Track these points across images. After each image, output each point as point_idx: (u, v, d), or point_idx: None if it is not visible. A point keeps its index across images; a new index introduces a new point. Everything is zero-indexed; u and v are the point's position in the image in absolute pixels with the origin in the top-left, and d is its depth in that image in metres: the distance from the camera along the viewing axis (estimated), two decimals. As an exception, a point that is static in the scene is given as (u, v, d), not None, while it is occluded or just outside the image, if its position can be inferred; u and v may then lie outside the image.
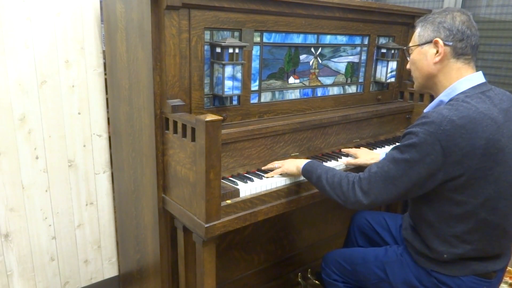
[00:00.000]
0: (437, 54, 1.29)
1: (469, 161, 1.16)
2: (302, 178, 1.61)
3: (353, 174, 1.34)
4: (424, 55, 1.32)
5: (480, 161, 1.17)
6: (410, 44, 1.40)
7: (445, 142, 1.15)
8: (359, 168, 1.72)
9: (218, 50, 1.51)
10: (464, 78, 1.27)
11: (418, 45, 1.34)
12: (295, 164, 1.55)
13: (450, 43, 1.27)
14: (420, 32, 1.34)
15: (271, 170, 1.62)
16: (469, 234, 1.26)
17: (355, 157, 1.80)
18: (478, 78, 1.28)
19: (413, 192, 1.25)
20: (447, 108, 1.19)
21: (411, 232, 1.42)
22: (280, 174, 1.58)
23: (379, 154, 1.78)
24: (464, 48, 1.27)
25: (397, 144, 1.27)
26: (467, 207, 1.22)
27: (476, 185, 1.20)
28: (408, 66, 1.43)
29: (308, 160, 1.52)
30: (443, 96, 1.30)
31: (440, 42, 1.28)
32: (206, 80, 1.56)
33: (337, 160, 1.80)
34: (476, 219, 1.24)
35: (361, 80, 2.19)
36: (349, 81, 2.13)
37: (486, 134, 1.16)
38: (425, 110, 1.35)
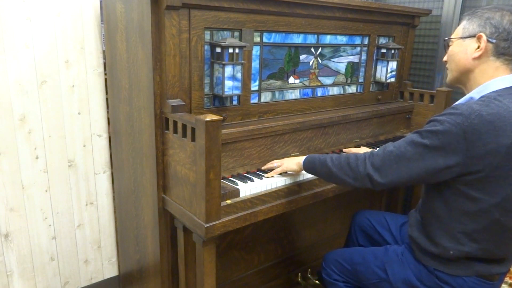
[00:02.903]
0: (478, 50, 1.26)
1: (491, 158, 1.14)
2: (302, 176, 1.61)
3: (361, 153, 1.32)
4: (465, 48, 1.29)
5: (503, 160, 1.15)
6: (452, 36, 1.36)
7: (470, 135, 1.13)
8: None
9: (218, 50, 1.51)
10: (499, 78, 1.25)
11: (461, 37, 1.31)
12: (295, 161, 1.55)
13: (494, 41, 1.23)
14: (465, 25, 1.30)
15: (271, 169, 1.62)
16: (479, 233, 1.25)
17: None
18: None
19: (424, 179, 1.24)
20: (478, 103, 1.17)
21: (418, 228, 1.40)
22: (280, 174, 1.58)
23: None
24: (507, 48, 1.24)
25: (419, 129, 1.24)
26: (481, 205, 1.21)
27: (494, 183, 1.18)
28: (444, 58, 1.39)
29: (304, 157, 1.51)
30: (475, 93, 1.28)
31: (484, 37, 1.24)
32: (206, 80, 1.56)
33: (337, 160, 1.79)
34: (489, 219, 1.22)
35: (361, 80, 2.19)
36: (349, 81, 2.13)
37: None
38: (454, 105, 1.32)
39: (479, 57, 1.27)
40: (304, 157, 1.52)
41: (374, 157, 1.27)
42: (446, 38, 1.38)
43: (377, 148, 1.30)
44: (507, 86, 1.24)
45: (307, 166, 1.49)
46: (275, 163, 1.63)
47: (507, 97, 1.20)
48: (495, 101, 1.17)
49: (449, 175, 1.19)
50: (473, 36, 1.27)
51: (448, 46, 1.37)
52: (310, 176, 1.64)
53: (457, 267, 1.30)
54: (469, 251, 1.27)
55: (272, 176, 1.57)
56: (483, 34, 1.25)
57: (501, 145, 1.14)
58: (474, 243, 1.26)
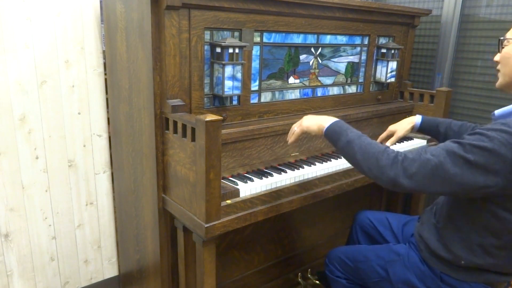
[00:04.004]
0: None
1: None
2: (302, 176, 1.61)
3: (393, 149, 1.18)
4: None
5: None
6: (509, 36, 1.21)
7: None
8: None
9: (218, 50, 1.51)
10: None
11: None
12: (317, 122, 1.36)
13: None
14: None
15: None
16: (497, 249, 1.21)
17: (393, 133, 1.69)
18: None
19: (455, 194, 1.14)
20: None
21: (430, 229, 1.36)
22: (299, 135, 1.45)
23: (413, 117, 1.71)
24: None
25: (462, 140, 1.11)
26: (508, 225, 1.16)
27: None
28: (497, 59, 1.26)
29: (332, 119, 1.33)
30: None
31: None
32: (206, 80, 1.56)
33: (337, 160, 1.80)
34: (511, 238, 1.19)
35: (361, 80, 2.19)
36: (349, 81, 2.13)
37: None
38: (496, 112, 1.23)
39: None
40: (328, 119, 1.33)
41: (409, 162, 1.12)
42: (502, 38, 1.23)
43: (412, 152, 1.15)
44: None
45: (329, 135, 1.31)
46: (295, 127, 1.47)
47: None
48: None
49: (483, 194, 1.11)
50: None
51: (503, 46, 1.22)
52: (310, 176, 1.64)
53: (465, 274, 1.28)
54: (481, 263, 1.24)
55: (293, 140, 1.45)
56: None
57: None
58: (490, 257, 1.23)
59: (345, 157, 1.28)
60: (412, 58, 2.47)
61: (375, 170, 1.16)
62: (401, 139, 2.16)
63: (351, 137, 1.23)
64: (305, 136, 1.81)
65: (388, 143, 1.68)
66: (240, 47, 1.52)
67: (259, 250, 2.00)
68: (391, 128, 1.74)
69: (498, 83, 1.27)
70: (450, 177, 1.08)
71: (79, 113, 1.84)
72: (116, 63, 1.68)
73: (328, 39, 1.95)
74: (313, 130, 1.38)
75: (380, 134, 2.18)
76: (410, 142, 2.16)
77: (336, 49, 2.01)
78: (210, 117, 1.25)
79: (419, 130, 1.74)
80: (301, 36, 1.84)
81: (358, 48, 2.12)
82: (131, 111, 1.63)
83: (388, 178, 1.14)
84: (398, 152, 1.17)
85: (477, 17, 2.32)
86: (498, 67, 1.26)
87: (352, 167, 1.76)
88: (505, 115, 1.22)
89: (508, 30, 1.25)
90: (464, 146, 1.08)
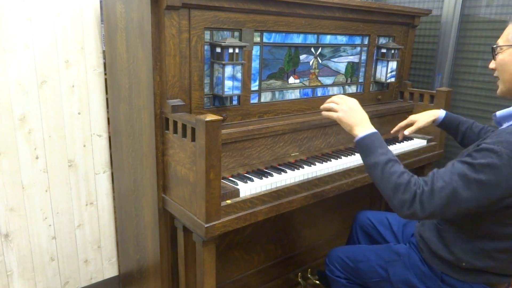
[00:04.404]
0: None
1: None
2: (302, 176, 1.61)
3: (415, 179, 1.16)
4: None
5: None
6: (501, 43, 1.22)
7: None
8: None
9: (218, 50, 1.51)
10: None
11: None
12: (351, 124, 1.31)
13: None
14: None
15: (327, 109, 1.41)
16: (499, 253, 1.22)
17: (413, 123, 1.67)
18: None
19: (471, 211, 1.13)
20: None
21: (432, 231, 1.36)
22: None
23: (437, 111, 1.69)
24: None
25: (470, 159, 1.10)
26: (511, 230, 1.17)
27: None
28: (492, 66, 1.27)
29: (368, 129, 1.29)
30: None
31: None
32: (206, 80, 1.56)
33: (337, 160, 1.79)
34: None
35: (361, 80, 2.19)
36: (349, 81, 2.13)
37: None
38: (498, 114, 1.23)
39: None
40: (364, 127, 1.29)
41: (424, 195, 1.11)
42: (495, 46, 1.24)
43: (425, 178, 1.15)
44: None
45: (358, 147, 1.29)
46: (332, 104, 1.38)
47: None
48: None
49: (498, 206, 1.11)
50: None
51: (496, 53, 1.24)
52: (310, 176, 1.64)
53: (466, 275, 1.28)
54: (483, 266, 1.25)
55: (326, 116, 1.37)
56: None
57: None
58: (491, 260, 1.23)
59: (368, 174, 1.27)
60: (412, 58, 2.47)
61: (395, 201, 1.15)
62: (401, 140, 2.16)
63: (379, 160, 1.21)
64: (305, 136, 1.81)
65: (406, 132, 1.66)
66: (240, 47, 1.52)
67: (259, 250, 2.00)
68: (413, 117, 1.70)
69: (499, 91, 1.26)
70: (464, 201, 1.09)
71: (79, 113, 1.84)
72: (116, 63, 1.68)
73: (328, 39, 1.95)
74: (344, 127, 1.34)
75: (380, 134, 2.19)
76: (410, 142, 2.16)
77: (336, 49, 2.01)
78: (210, 117, 1.25)
79: (439, 125, 1.71)
80: (301, 36, 1.84)
81: (358, 48, 2.12)
82: (131, 111, 1.63)
83: (405, 212, 1.14)
84: (418, 184, 1.14)
85: (477, 17, 2.32)
86: (496, 74, 1.26)
87: (352, 167, 1.78)
88: (506, 116, 1.21)
89: (499, 37, 1.26)
90: (474, 167, 1.08)
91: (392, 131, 1.75)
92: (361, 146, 1.27)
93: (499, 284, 1.30)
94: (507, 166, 1.04)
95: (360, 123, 1.30)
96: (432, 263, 1.35)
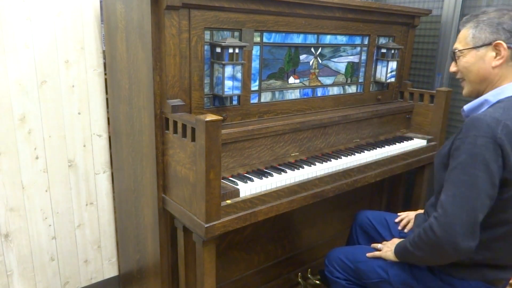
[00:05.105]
0: (498, 58, 1.22)
1: None
2: (302, 176, 1.61)
3: (425, 224, 1.23)
4: (481, 58, 1.25)
5: None
6: (461, 47, 1.30)
7: (504, 146, 1.10)
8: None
9: (218, 50, 1.51)
10: None
11: (473, 48, 1.26)
12: (391, 251, 1.44)
13: None
14: (475, 34, 1.25)
15: (376, 249, 1.53)
16: (494, 242, 1.23)
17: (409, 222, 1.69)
18: None
19: (489, 206, 1.15)
20: (498, 112, 1.14)
21: None
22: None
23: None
24: None
25: (456, 162, 1.17)
26: (503, 216, 1.19)
27: None
28: (453, 69, 1.35)
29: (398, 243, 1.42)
30: (490, 96, 1.24)
31: (504, 44, 1.20)
32: (206, 80, 1.56)
33: (337, 160, 1.79)
34: (508, 228, 1.21)
35: (361, 80, 2.19)
36: (349, 81, 2.13)
37: None
38: (465, 108, 1.30)
39: (500, 65, 1.22)
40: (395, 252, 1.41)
41: (439, 219, 1.17)
42: (456, 50, 1.31)
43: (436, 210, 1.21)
44: None
45: (398, 256, 1.39)
46: (379, 245, 1.52)
47: None
48: None
49: (500, 183, 1.14)
50: (488, 44, 1.23)
51: (457, 57, 1.31)
52: (310, 176, 1.64)
53: (464, 272, 1.29)
54: (481, 258, 1.26)
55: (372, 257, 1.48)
56: (502, 42, 1.20)
57: None
58: (487, 251, 1.24)
59: (419, 262, 1.35)
60: (412, 58, 2.47)
61: (430, 250, 1.21)
62: (400, 140, 2.16)
63: (404, 244, 1.33)
64: (305, 136, 1.81)
65: (406, 230, 1.67)
66: (240, 47, 1.52)
67: (259, 250, 2.00)
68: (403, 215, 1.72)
69: (465, 91, 1.34)
70: (474, 198, 1.13)
71: (79, 113, 1.84)
72: (116, 63, 1.68)
73: (328, 39, 1.95)
74: (390, 258, 1.43)
75: (380, 134, 2.19)
76: (410, 142, 2.16)
77: (336, 49, 2.01)
78: (210, 117, 1.25)
79: None
80: (301, 36, 1.84)
81: (358, 48, 2.12)
82: (131, 111, 1.63)
83: (443, 248, 1.17)
84: (429, 222, 1.21)
85: (477, 17, 2.31)
86: (459, 76, 1.34)
87: (352, 167, 1.79)
88: (473, 108, 1.29)
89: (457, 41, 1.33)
90: (463, 169, 1.14)
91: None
92: (398, 253, 1.39)
93: (497, 282, 1.31)
94: (485, 151, 1.10)
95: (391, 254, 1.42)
96: None
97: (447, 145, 1.25)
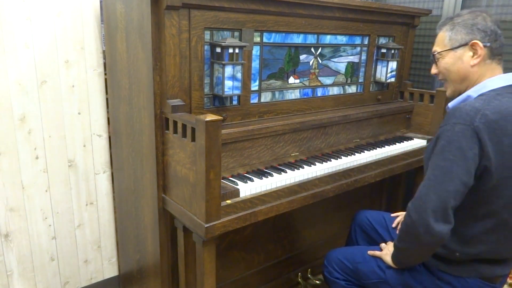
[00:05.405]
0: (476, 57, 1.28)
1: (499, 157, 1.16)
2: (302, 176, 1.62)
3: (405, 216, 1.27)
4: (459, 58, 1.31)
5: (509, 159, 1.17)
6: (440, 49, 1.36)
7: (481, 134, 1.14)
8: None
9: (218, 50, 1.51)
10: (497, 77, 1.27)
11: (451, 49, 1.32)
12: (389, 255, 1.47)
13: (488, 44, 1.26)
14: (451, 36, 1.31)
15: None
16: (487, 234, 1.25)
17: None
18: (509, 78, 1.27)
19: (464, 193, 1.19)
20: (479, 102, 1.18)
21: None
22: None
23: None
24: (498, 47, 1.28)
25: (435, 149, 1.22)
26: (491, 207, 1.22)
27: (504, 185, 1.19)
28: (435, 71, 1.40)
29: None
30: (472, 91, 1.29)
31: (480, 43, 1.26)
32: (206, 80, 1.56)
33: (337, 160, 1.80)
34: (497, 219, 1.23)
35: (361, 80, 2.19)
36: (349, 81, 2.13)
37: None
38: (450, 105, 1.35)
39: (478, 64, 1.28)
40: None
41: (414, 202, 1.22)
42: (435, 53, 1.37)
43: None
44: (505, 84, 1.25)
45: (393, 260, 1.41)
46: (382, 244, 1.55)
47: (506, 96, 1.21)
48: (495, 100, 1.18)
49: (475, 177, 1.18)
50: (465, 44, 1.29)
51: (437, 59, 1.37)
52: (310, 176, 1.64)
53: (461, 269, 1.30)
54: (475, 253, 1.27)
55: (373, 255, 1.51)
56: (478, 41, 1.26)
57: (505, 145, 1.15)
58: (482, 244, 1.26)
59: (410, 260, 1.37)
60: (412, 58, 2.47)
61: (411, 237, 1.24)
62: (400, 140, 2.16)
63: (395, 244, 1.37)
64: (305, 136, 1.81)
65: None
66: (240, 47, 1.52)
67: (259, 250, 2.00)
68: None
69: (448, 92, 1.40)
70: (447, 182, 1.16)
71: (79, 113, 1.84)
72: (116, 63, 1.68)
73: (328, 39, 1.95)
74: (388, 262, 1.45)
75: (380, 134, 2.19)
76: (410, 142, 2.16)
77: (336, 49, 2.01)
78: (210, 117, 1.25)
79: None
80: (301, 36, 1.84)
81: (358, 48, 2.12)
82: (131, 111, 1.63)
83: (418, 231, 1.20)
84: (408, 204, 1.25)
85: (477, 17, 2.31)
86: (441, 77, 1.39)
87: (352, 167, 1.79)
88: (457, 105, 1.31)
89: (435, 43, 1.38)
90: (438, 154, 1.19)
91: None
92: (392, 256, 1.41)
93: (494, 278, 1.32)
94: (462, 138, 1.14)
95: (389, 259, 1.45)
96: (426, 261, 1.36)
97: (434, 139, 1.29)
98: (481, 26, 1.26)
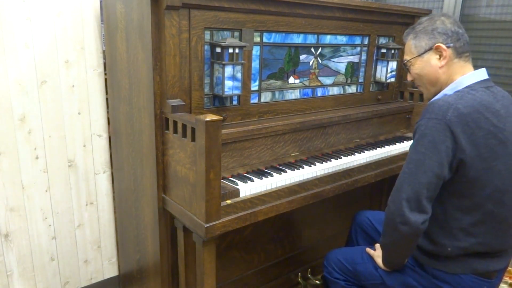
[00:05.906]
0: (442, 58, 1.34)
1: (474, 149, 1.19)
2: (302, 176, 1.62)
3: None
4: (427, 63, 1.36)
5: (484, 151, 1.20)
6: (408, 58, 1.42)
7: (453, 128, 1.18)
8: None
9: (218, 50, 1.51)
10: (470, 73, 1.32)
11: (418, 55, 1.38)
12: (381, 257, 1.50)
13: (451, 45, 1.32)
14: (416, 44, 1.38)
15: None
16: (475, 227, 1.27)
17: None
18: (482, 74, 1.33)
19: (437, 185, 1.23)
20: (452, 97, 1.24)
21: None
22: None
23: None
24: (463, 46, 1.33)
25: (412, 143, 1.28)
26: (474, 199, 1.25)
27: (484, 176, 1.22)
28: (410, 78, 1.46)
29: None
30: (448, 90, 1.34)
31: (443, 46, 1.32)
32: (206, 80, 1.56)
33: (337, 160, 1.80)
34: (483, 211, 1.26)
35: (361, 80, 2.19)
36: (349, 81, 2.13)
37: (488, 125, 1.20)
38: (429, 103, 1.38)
39: (445, 64, 1.34)
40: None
41: (391, 197, 1.27)
42: (406, 61, 1.44)
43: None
44: (478, 80, 1.30)
45: (384, 262, 1.44)
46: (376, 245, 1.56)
47: (479, 90, 1.26)
48: (468, 95, 1.24)
49: (452, 171, 1.22)
50: (430, 49, 1.35)
51: (409, 67, 1.43)
52: (310, 176, 1.64)
53: (454, 265, 1.31)
54: (466, 246, 1.29)
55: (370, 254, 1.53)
56: (440, 44, 1.32)
57: (479, 136, 1.20)
58: (471, 237, 1.28)
59: (399, 253, 1.38)
60: (412, 58, 2.47)
61: (392, 229, 1.28)
62: (400, 140, 2.16)
63: (381, 242, 1.41)
64: (305, 136, 1.81)
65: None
66: (240, 47, 1.52)
67: (259, 250, 2.00)
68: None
69: (425, 96, 1.46)
70: (421, 174, 1.21)
71: (79, 113, 1.84)
72: (116, 63, 1.68)
73: (328, 39, 1.95)
74: (381, 265, 1.47)
75: (380, 134, 2.19)
76: (410, 142, 2.16)
77: (336, 49, 2.01)
78: (210, 117, 1.25)
79: None
80: (301, 36, 1.84)
81: (358, 48, 2.12)
82: (131, 111, 1.63)
83: (397, 221, 1.24)
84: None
85: (477, 17, 2.32)
86: (416, 83, 1.46)
87: (352, 167, 1.79)
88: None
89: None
90: (413, 147, 1.25)
91: None
92: (384, 259, 1.44)
93: (488, 273, 1.32)
94: (435, 131, 1.19)
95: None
96: (421, 260, 1.37)
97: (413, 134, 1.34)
98: (441, 29, 1.33)
